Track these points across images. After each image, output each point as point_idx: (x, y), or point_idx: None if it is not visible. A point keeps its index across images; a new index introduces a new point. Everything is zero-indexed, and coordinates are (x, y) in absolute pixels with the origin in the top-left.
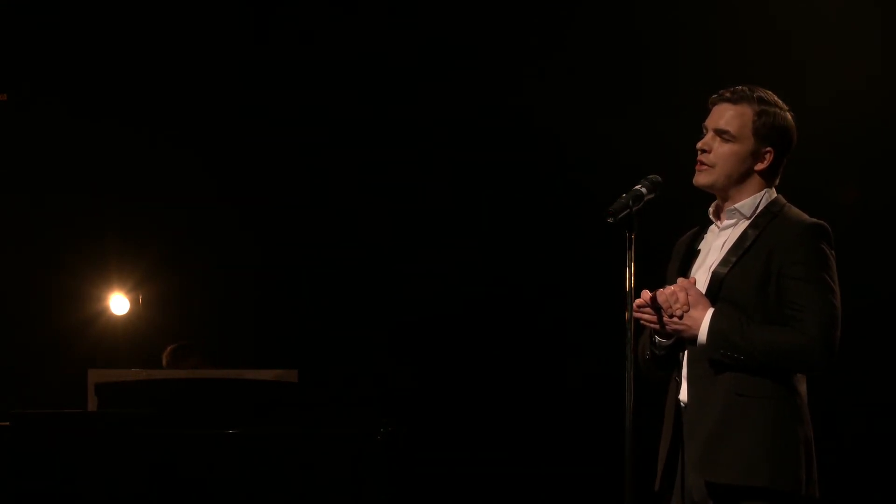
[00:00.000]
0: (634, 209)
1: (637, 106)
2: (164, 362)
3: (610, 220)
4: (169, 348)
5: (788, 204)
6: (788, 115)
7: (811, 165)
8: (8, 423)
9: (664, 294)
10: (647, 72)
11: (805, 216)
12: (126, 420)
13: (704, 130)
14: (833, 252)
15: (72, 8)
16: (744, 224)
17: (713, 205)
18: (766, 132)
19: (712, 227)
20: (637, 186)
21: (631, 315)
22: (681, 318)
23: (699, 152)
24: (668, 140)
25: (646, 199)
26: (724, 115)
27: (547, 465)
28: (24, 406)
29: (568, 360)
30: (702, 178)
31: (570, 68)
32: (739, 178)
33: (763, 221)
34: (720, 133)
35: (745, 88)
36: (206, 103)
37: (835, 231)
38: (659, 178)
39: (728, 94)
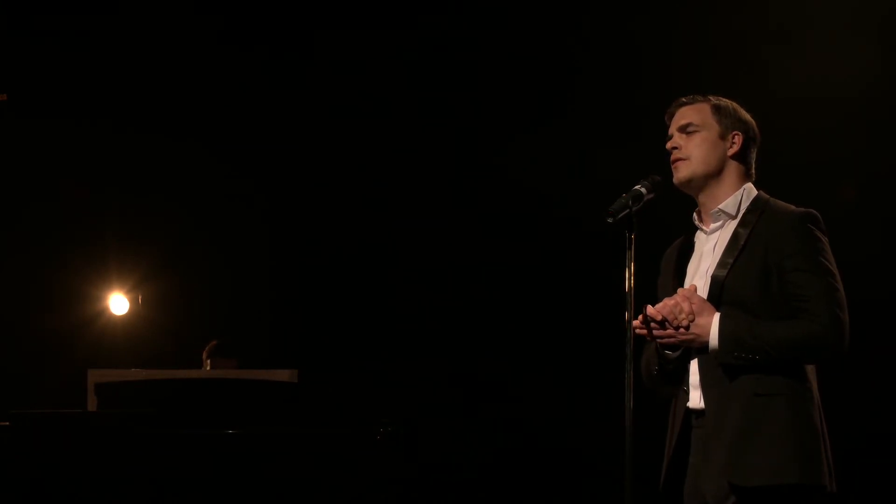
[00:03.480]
0: (634, 209)
1: (636, 106)
2: (203, 356)
3: (610, 220)
4: (208, 346)
5: (772, 198)
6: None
7: (809, 164)
8: (8, 423)
9: (667, 306)
10: (645, 71)
11: (792, 207)
12: (126, 420)
13: (669, 139)
14: (826, 237)
15: (72, 8)
16: (732, 224)
17: (696, 210)
18: (728, 119)
19: (698, 233)
20: (637, 186)
21: (631, 315)
22: (687, 328)
23: (671, 152)
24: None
25: (646, 199)
26: (685, 115)
27: (546, 465)
28: (24, 406)
29: (568, 360)
30: (681, 173)
31: (569, 71)
32: (717, 167)
33: (752, 218)
34: (685, 129)
35: (695, 94)
36: (207, 104)
37: (836, 231)
38: (659, 178)
39: (683, 100)
